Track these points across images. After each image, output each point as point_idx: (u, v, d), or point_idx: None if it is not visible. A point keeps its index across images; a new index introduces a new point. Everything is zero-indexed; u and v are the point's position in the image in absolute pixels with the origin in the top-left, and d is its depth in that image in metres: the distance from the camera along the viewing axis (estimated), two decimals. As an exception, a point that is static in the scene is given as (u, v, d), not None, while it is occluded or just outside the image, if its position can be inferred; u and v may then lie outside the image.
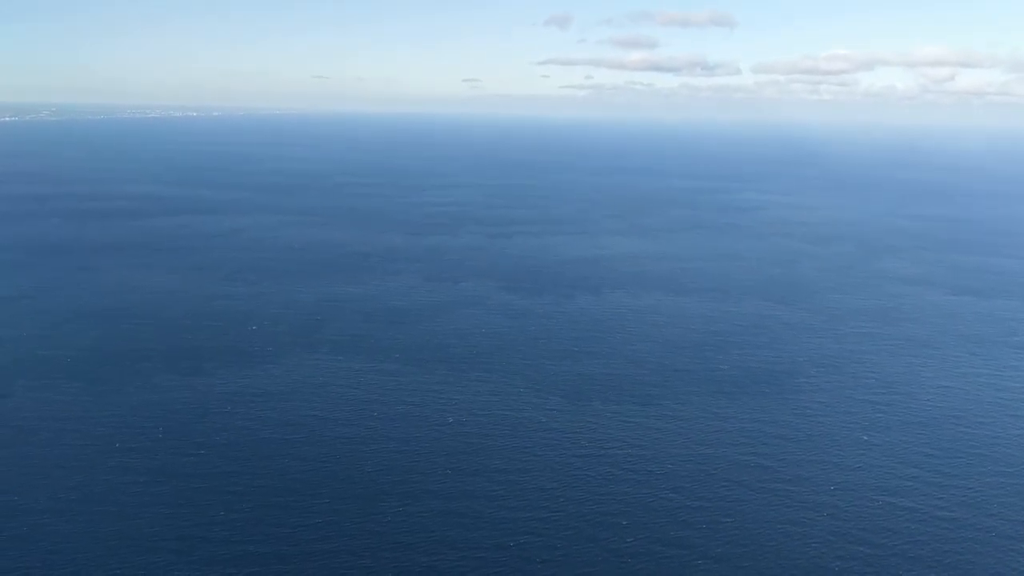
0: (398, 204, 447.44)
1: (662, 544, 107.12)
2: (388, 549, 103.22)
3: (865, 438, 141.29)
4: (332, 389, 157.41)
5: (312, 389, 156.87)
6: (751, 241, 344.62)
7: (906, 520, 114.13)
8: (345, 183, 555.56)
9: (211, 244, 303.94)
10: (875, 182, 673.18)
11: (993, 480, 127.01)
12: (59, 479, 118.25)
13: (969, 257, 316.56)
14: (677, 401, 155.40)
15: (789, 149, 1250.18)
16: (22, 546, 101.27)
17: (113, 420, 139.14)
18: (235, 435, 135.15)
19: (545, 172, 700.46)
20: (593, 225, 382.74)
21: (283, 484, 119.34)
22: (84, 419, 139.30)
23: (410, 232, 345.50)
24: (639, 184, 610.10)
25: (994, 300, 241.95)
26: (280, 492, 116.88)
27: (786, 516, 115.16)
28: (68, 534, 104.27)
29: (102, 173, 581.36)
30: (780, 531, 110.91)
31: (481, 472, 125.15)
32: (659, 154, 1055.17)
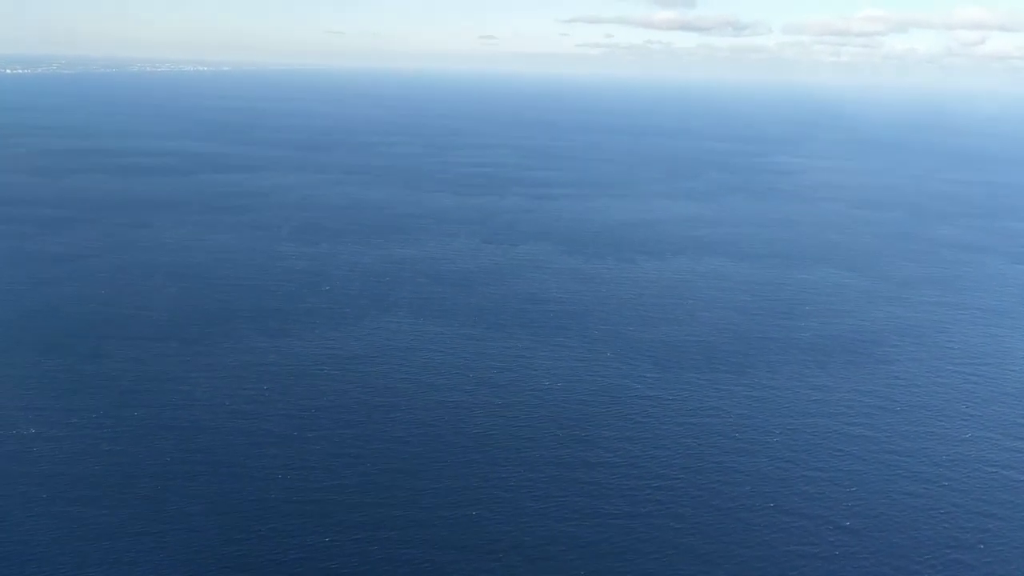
0: (433, 163, 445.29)
1: (787, 514, 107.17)
2: (524, 516, 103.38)
3: (965, 409, 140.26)
4: (420, 353, 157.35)
5: (400, 353, 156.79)
6: (799, 205, 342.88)
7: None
8: (374, 141, 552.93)
9: (261, 202, 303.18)
10: (904, 145, 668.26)
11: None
12: (172, 443, 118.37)
13: (1020, 223, 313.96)
14: (768, 370, 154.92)
15: (810, 111, 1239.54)
16: (152, 507, 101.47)
17: (215, 381, 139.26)
18: (338, 398, 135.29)
19: (571, 132, 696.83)
20: (635, 188, 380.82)
21: (399, 448, 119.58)
22: (185, 380, 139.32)
23: (455, 192, 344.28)
24: (668, 145, 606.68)
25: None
26: (399, 456, 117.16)
27: (905, 488, 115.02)
28: (188, 498, 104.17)
29: (129, 128, 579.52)
30: (903, 503, 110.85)
31: (592, 441, 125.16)
32: (681, 115, 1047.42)
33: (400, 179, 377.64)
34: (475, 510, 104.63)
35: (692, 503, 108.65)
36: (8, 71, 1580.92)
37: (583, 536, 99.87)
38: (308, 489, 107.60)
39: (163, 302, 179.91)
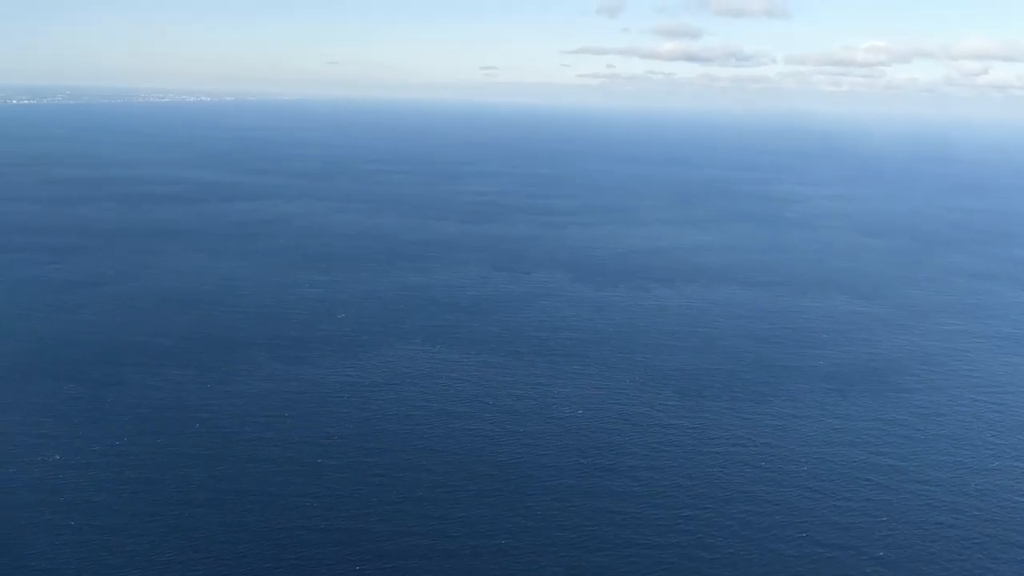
0: (438, 192, 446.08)
1: (821, 545, 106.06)
2: (554, 546, 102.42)
3: (990, 438, 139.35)
4: (439, 381, 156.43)
5: (419, 380, 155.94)
6: (805, 233, 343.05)
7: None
8: (377, 170, 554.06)
9: (269, 230, 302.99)
10: (906, 174, 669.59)
11: None
12: (196, 470, 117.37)
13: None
14: (790, 398, 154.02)
15: (811, 140, 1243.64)
16: (179, 536, 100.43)
17: (236, 409, 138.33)
18: (361, 426, 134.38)
19: (572, 161, 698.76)
20: (641, 215, 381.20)
21: (424, 477, 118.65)
22: (206, 407, 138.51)
23: (461, 220, 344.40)
24: (671, 174, 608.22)
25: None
26: (423, 485, 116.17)
27: (936, 519, 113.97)
28: (215, 526, 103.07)
29: (136, 157, 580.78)
30: (936, 534, 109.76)
31: (616, 470, 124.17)
32: (682, 144, 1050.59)
33: (406, 207, 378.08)
34: (504, 539, 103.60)
35: (723, 533, 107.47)
36: (14, 101, 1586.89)
37: (615, 567, 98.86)
38: (335, 517, 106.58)
39: (179, 329, 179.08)
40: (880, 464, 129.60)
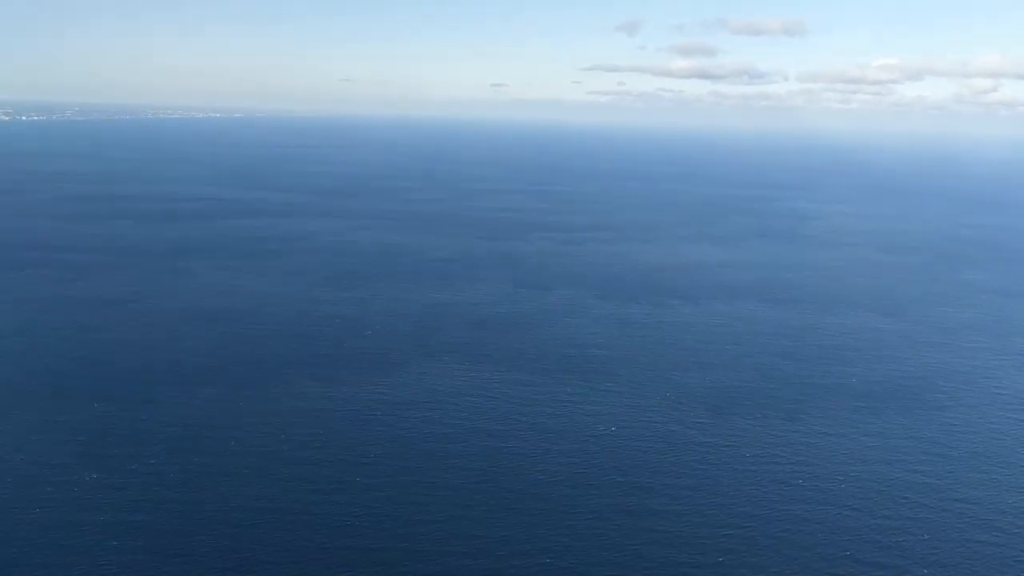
0: (456, 209, 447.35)
1: (864, 564, 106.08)
2: (598, 566, 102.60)
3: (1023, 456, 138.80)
4: (471, 399, 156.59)
5: (451, 398, 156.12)
6: (825, 250, 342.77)
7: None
8: (393, 187, 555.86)
9: (291, 247, 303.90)
10: (919, 190, 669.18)
11: None
12: (234, 489, 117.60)
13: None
14: (821, 416, 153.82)
15: (821, 157, 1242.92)
16: (219, 557, 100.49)
17: (270, 427, 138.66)
18: (396, 445, 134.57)
19: (585, 178, 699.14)
20: (659, 232, 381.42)
21: (463, 495, 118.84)
22: (240, 426, 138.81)
23: (480, 237, 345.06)
24: (685, 191, 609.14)
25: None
26: (462, 504, 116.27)
27: (977, 536, 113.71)
28: (258, 547, 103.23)
29: (152, 174, 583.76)
30: (978, 552, 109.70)
31: (654, 488, 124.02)
32: (693, 161, 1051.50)
33: (424, 224, 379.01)
34: (547, 559, 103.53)
35: (767, 552, 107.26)
36: (24, 117, 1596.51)
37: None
38: (378, 536, 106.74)
39: (208, 347, 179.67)
40: (916, 482, 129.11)
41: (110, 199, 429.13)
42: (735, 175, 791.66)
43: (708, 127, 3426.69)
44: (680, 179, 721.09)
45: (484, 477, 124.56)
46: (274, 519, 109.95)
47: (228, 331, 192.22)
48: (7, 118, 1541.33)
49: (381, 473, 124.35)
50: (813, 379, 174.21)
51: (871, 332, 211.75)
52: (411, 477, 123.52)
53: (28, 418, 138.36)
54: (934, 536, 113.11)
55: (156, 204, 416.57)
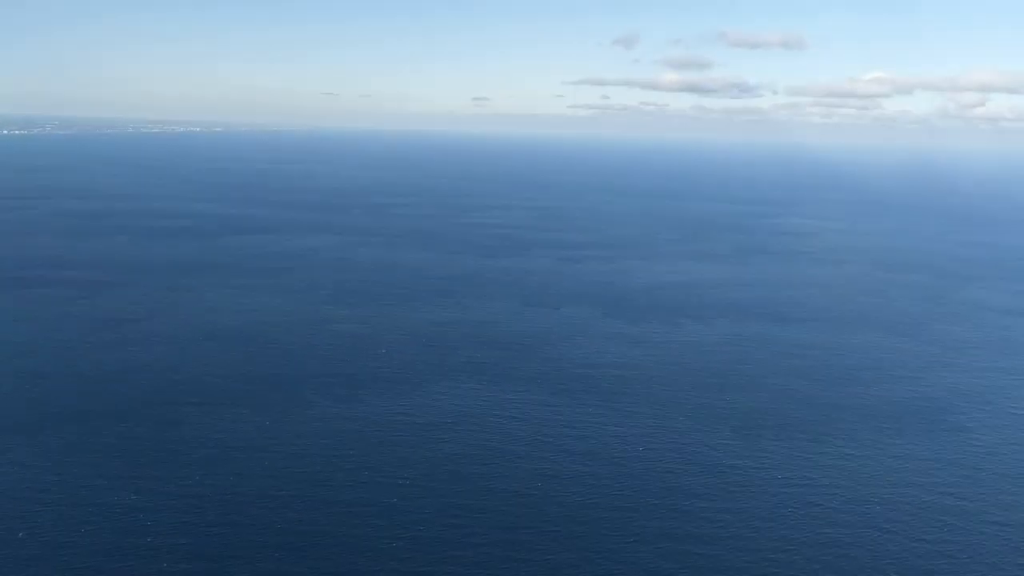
0: (450, 225, 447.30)
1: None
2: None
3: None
4: (494, 420, 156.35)
5: (474, 419, 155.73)
6: (824, 268, 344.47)
7: None
8: (383, 203, 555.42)
9: (292, 265, 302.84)
10: (909, 207, 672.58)
11: None
12: (274, 512, 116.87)
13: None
14: (847, 437, 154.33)
15: (806, 172, 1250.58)
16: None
17: (298, 448, 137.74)
18: (428, 467, 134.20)
19: (573, 194, 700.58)
20: (657, 249, 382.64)
21: (500, 519, 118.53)
22: (268, 447, 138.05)
23: (479, 254, 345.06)
24: (676, 207, 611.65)
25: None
26: (502, 526, 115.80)
27: (1016, 560, 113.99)
28: (306, 572, 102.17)
29: (139, 190, 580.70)
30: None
31: (691, 512, 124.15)
32: (680, 177, 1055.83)
33: (421, 241, 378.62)
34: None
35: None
36: (5, 132, 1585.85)
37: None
38: (422, 560, 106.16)
39: (224, 367, 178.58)
40: (949, 505, 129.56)
41: (106, 215, 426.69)
42: (722, 191, 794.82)
43: (689, 141, 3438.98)
44: (669, 195, 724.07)
45: (520, 501, 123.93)
46: (316, 543, 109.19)
47: (243, 350, 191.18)
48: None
49: (415, 495, 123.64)
50: (832, 400, 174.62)
51: (882, 351, 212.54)
52: (446, 500, 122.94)
53: (59, 440, 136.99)
54: (974, 559, 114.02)
55: (151, 220, 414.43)
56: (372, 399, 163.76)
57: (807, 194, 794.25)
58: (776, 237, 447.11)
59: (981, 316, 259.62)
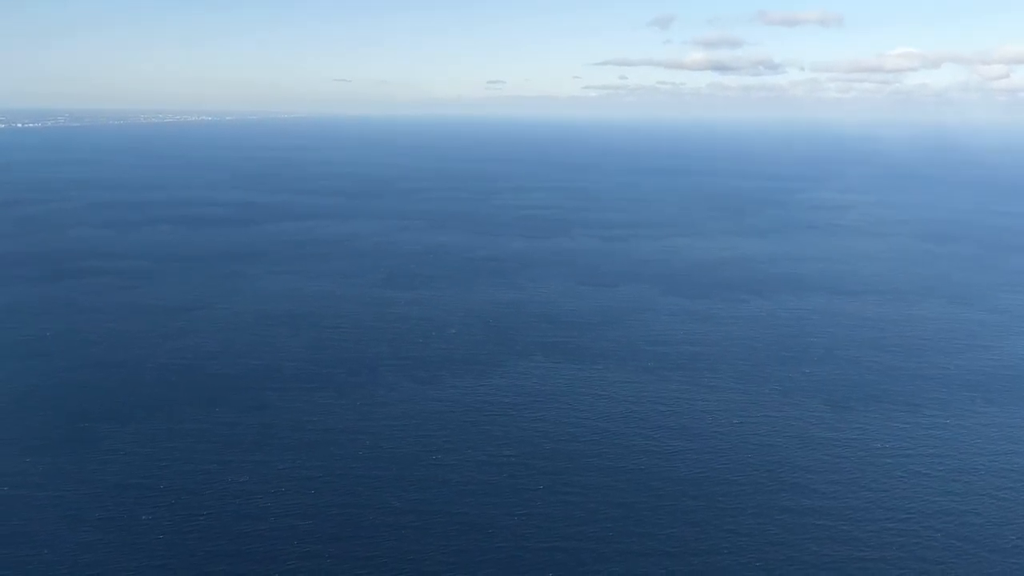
0: (485, 207, 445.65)
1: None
2: (779, 563, 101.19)
3: None
4: (580, 398, 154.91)
5: (559, 398, 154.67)
6: (870, 240, 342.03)
7: None
8: (413, 187, 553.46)
9: (338, 250, 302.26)
10: (937, 179, 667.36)
11: None
12: (389, 494, 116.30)
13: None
14: (939, 407, 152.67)
15: (830, 147, 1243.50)
16: (402, 565, 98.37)
17: (393, 430, 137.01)
18: (524, 446, 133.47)
19: (602, 173, 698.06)
20: (699, 226, 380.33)
21: (611, 496, 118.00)
22: (363, 430, 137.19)
23: (522, 236, 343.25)
24: (709, 184, 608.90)
25: None
26: (615, 503, 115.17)
27: None
28: (435, 552, 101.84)
29: (169, 179, 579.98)
30: None
31: (801, 485, 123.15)
32: (706, 155, 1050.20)
33: (461, 224, 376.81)
34: (725, 558, 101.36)
35: (940, 547, 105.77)
36: (20, 125, 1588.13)
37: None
38: (548, 537, 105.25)
39: (296, 352, 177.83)
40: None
41: (141, 205, 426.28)
42: (749, 167, 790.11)
43: (707, 119, 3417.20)
44: (699, 173, 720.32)
45: (628, 477, 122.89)
46: (440, 523, 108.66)
47: (311, 335, 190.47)
48: (3, 126, 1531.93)
49: (522, 475, 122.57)
50: (912, 370, 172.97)
51: (951, 321, 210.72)
52: (554, 476, 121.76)
53: (152, 427, 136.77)
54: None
55: (187, 209, 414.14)
56: (453, 380, 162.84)
57: (833, 167, 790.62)
58: (815, 212, 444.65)
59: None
